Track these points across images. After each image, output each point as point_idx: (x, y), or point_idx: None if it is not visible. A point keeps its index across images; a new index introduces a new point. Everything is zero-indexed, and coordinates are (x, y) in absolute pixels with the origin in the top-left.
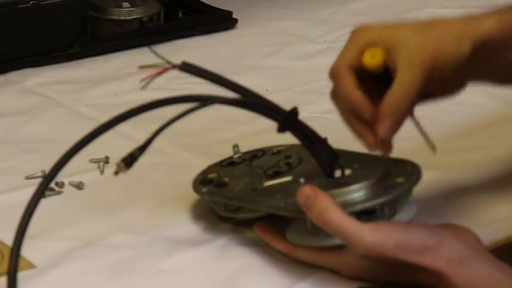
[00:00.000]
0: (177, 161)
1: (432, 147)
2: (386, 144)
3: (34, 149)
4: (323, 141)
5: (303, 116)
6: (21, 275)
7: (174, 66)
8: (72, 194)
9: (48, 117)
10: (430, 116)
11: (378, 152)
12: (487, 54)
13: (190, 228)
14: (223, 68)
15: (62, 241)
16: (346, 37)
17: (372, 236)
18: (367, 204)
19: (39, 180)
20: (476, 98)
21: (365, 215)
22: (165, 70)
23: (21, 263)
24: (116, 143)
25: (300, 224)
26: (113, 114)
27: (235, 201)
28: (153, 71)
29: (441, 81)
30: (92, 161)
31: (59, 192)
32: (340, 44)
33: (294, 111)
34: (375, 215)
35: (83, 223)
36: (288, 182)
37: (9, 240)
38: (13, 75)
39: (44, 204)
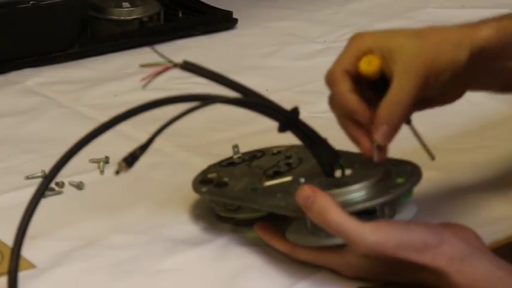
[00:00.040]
0: (177, 161)
1: (430, 155)
2: (381, 150)
3: (34, 149)
4: (324, 141)
5: (303, 115)
6: (22, 275)
7: (176, 65)
8: (72, 194)
9: (48, 117)
10: (430, 116)
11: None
12: (484, 62)
13: (190, 228)
14: (223, 68)
15: (62, 241)
16: (346, 37)
17: (373, 235)
18: (368, 204)
19: (39, 180)
20: (477, 98)
21: (365, 215)
22: (167, 69)
23: (21, 263)
24: (116, 143)
25: (300, 223)
26: (112, 114)
27: (235, 200)
28: (154, 69)
29: (438, 89)
30: (92, 161)
31: (59, 192)
32: (340, 44)
33: (295, 111)
34: (375, 215)
35: (83, 223)
36: (288, 182)
37: (9, 240)
38: (13, 75)
39: (44, 204)
